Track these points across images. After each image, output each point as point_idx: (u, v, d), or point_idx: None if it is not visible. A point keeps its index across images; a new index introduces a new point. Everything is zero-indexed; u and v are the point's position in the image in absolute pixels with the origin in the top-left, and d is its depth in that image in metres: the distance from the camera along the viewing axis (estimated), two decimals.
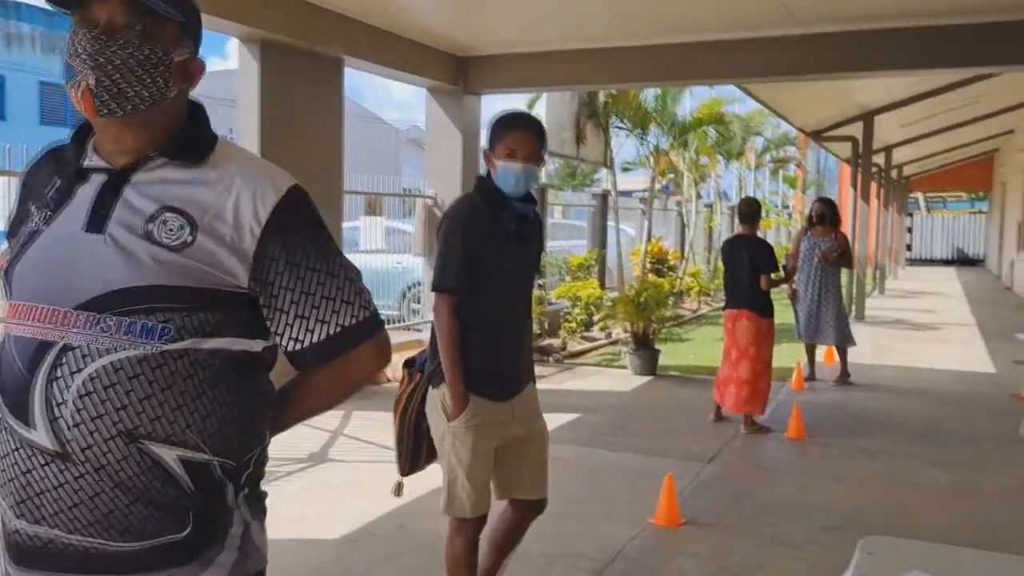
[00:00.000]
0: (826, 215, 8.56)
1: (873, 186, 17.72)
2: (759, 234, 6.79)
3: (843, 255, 8.51)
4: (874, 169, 17.27)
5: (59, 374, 1.29)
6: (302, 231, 1.43)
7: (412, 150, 34.03)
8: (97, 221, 1.34)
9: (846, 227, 10.53)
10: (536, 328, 10.47)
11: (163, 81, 1.37)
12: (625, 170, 18.70)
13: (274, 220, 1.39)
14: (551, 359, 9.87)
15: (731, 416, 6.74)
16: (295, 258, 1.41)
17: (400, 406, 3.07)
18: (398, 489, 3.15)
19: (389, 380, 8.10)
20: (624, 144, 14.57)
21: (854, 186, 14.52)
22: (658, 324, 9.20)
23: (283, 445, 5.89)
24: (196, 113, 1.47)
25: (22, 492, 1.32)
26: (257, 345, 1.44)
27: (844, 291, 9.60)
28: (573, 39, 8.56)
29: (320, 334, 1.43)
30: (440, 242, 2.99)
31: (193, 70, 1.44)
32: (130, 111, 1.35)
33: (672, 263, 16.53)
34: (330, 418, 6.69)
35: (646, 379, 8.66)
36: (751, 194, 20.19)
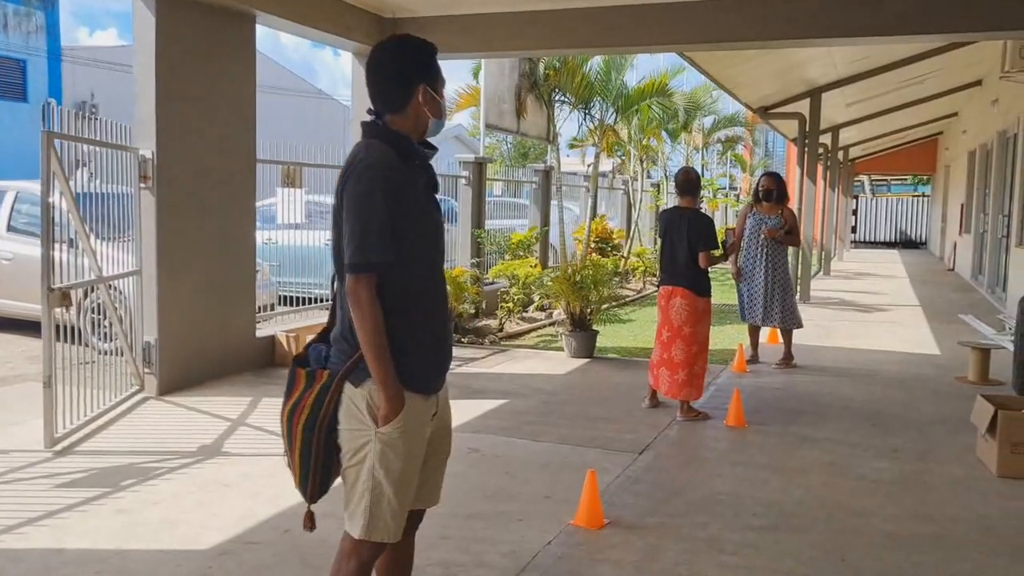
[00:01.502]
0: (773, 191, 8.18)
1: (819, 168, 17.51)
2: (702, 209, 6.35)
3: (790, 233, 8.15)
4: (820, 151, 17.04)
5: None
6: None
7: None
8: None
9: (793, 206, 10.20)
10: (471, 308, 9.95)
11: None
12: (572, 147, 18.24)
13: None
14: (486, 341, 9.37)
15: (667, 401, 6.32)
16: None
17: (301, 415, 2.44)
18: (309, 521, 2.57)
19: None
20: (568, 120, 14.09)
21: (801, 165, 14.23)
22: (597, 304, 8.74)
23: (170, 436, 5.35)
24: None
25: None
26: None
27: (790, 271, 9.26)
28: (511, 1, 8.02)
29: None
30: (351, 208, 2.35)
31: None
32: None
33: (616, 242, 16.13)
34: (233, 406, 6.12)
35: (582, 362, 8.21)
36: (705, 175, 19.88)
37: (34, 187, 8.33)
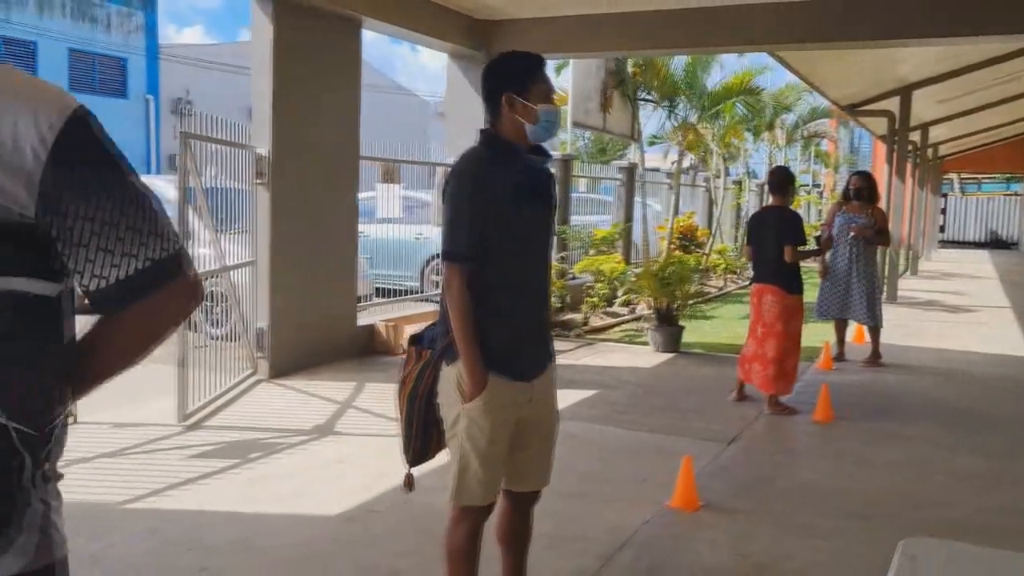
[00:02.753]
0: (863, 190, 8.21)
1: (908, 166, 17.22)
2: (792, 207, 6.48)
3: (880, 233, 8.17)
4: (909, 148, 16.76)
5: None
6: (97, 155, 1.24)
7: (442, 123, 33.76)
8: None
9: (882, 205, 10.16)
10: (557, 302, 10.22)
11: None
12: (651, 144, 18.33)
13: (63, 141, 1.20)
14: (571, 334, 9.62)
15: (754, 395, 6.48)
16: (92, 185, 1.22)
17: (407, 387, 2.79)
18: (408, 483, 2.88)
19: (404, 351, 7.91)
20: (650, 118, 14.23)
21: (889, 163, 14.07)
22: (682, 300, 8.92)
23: (286, 416, 5.77)
24: None
25: None
26: (52, 289, 1.25)
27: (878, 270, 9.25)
28: (601, 2, 8.25)
29: (127, 269, 1.24)
30: (447, 205, 2.68)
31: None
32: None
33: (700, 239, 16.19)
34: (340, 389, 6.51)
35: (668, 356, 8.40)
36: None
37: (156, 182, 8.89)
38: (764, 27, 8.04)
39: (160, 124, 27.32)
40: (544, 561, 3.39)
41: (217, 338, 7.04)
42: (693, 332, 9.79)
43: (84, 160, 1.22)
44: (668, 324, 8.71)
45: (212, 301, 8.80)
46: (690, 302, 9.88)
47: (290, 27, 6.85)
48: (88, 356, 1.33)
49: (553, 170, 3.29)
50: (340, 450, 5.08)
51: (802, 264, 6.25)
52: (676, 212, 14.66)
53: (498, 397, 2.68)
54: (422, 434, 2.80)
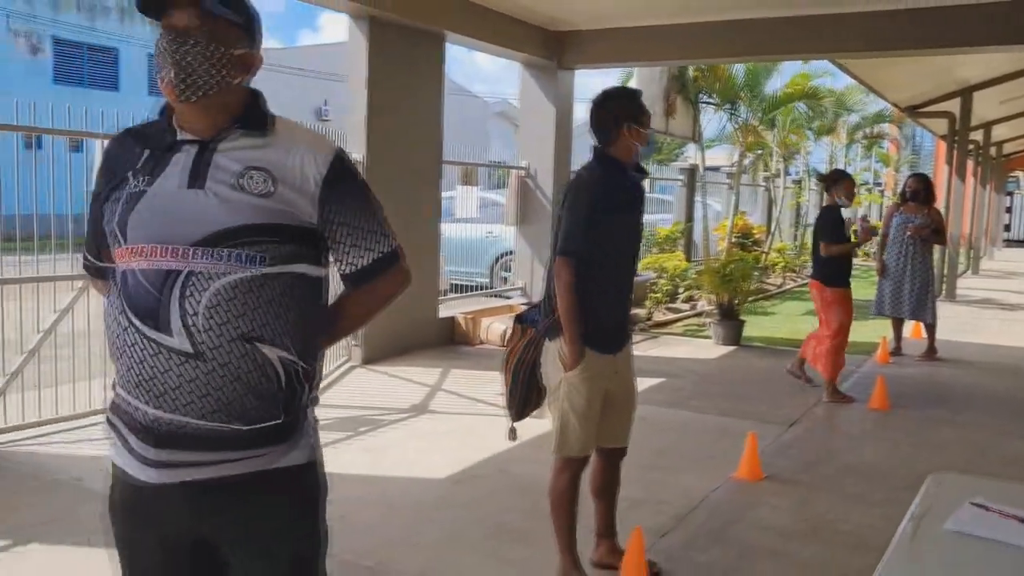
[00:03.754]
0: (919, 192, 8.55)
1: (970, 164, 17.28)
2: (843, 205, 6.90)
3: (937, 232, 8.50)
4: (971, 147, 16.84)
5: (189, 293, 1.69)
6: (351, 180, 1.86)
7: (500, 123, 34.35)
8: (195, 179, 1.76)
9: (940, 205, 10.43)
10: None
11: (227, 72, 1.77)
12: (707, 147, 18.70)
13: (331, 172, 1.80)
14: (636, 328, 10.12)
15: (816, 382, 6.91)
16: (347, 200, 1.83)
17: (513, 357, 3.40)
18: (512, 434, 3.47)
19: (482, 342, 8.52)
20: (711, 120, 14.58)
21: (949, 163, 14.25)
22: (742, 296, 9.36)
23: (384, 396, 6.40)
24: (257, 95, 1.90)
25: (160, 388, 1.72)
26: (322, 271, 1.87)
27: (935, 270, 9.55)
28: (668, 13, 8.72)
29: (368, 259, 1.87)
30: (567, 211, 3.28)
31: (251, 62, 1.84)
32: (202, 96, 1.76)
33: (757, 237, 16.52)
34: (428, 374, 7.13)
35: (729, 349, 8.86)
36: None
37: None
38: (826, 37, 8.44)
39: None
40: (628, 519, 3.91)
41: None
42: (753, 327, 10.21)
43: (344, 184, 1.84)
44: (729, 318, 9.17)
45: None
46: (750, 299, 10.30)
47: (382, 42, 7.48)
48: (335, 319, 1.96)
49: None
50: (437, 427, 5.69)
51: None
52: (735, 212, 15.02)
53: (592, 367, 3.27)
54: (524, 395, 3.42)
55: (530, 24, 9.16)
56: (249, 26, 1.83)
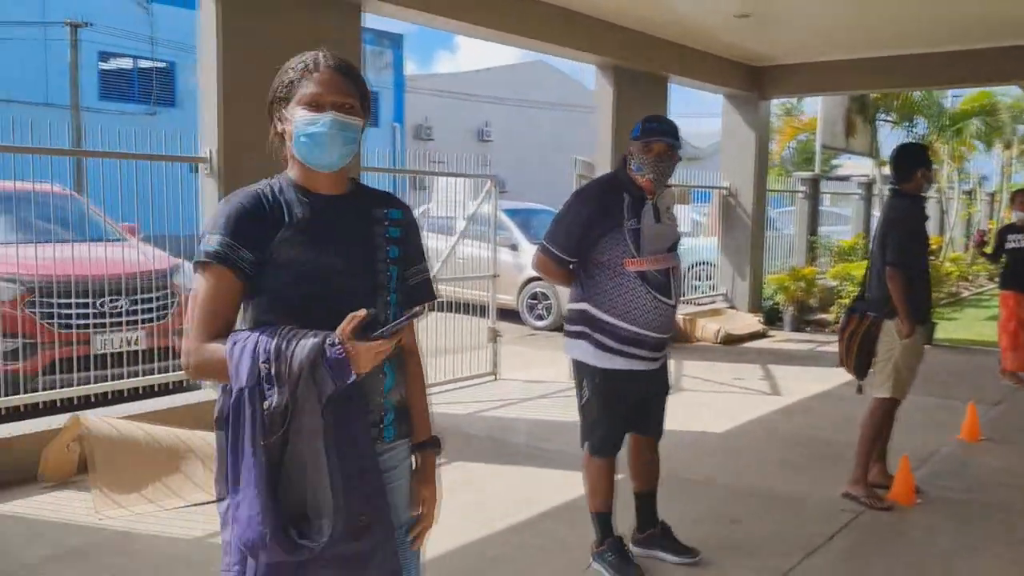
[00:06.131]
0: None
1: None
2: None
3: None
4: None
5: (676, 277, 3.42)
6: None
7: None
8: (657, 218, 3.42)
9: None
10: (814, 302, 11.83)
11: None
12: (881, 164, 19.33)
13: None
14: (827, 331, 11.20)
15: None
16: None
17: (858, 336, 4.71)
18: (860, 389, 4.82)
19: (698, 340, 9.86)
20: (887, 136, 15.40)
21: None
22: (934, 301, 10.29)
23: None
24: None
25: (661, 321, 3.43)
26: None
27: None
28: (860, 47, 9.84)
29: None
30: (891, 235, 4.63)
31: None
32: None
33: (931, 248, 17.08)
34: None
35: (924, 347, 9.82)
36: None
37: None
38: (1007, 68, 9.35)
39: (404, 147, 30.83)
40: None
41: (539, 329, 9.27)
42: (938, 331, 11.08)
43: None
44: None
45: (535, 300, 11.16)
46: (936, 305, 11.17)
47: (623, 87, 8.98)
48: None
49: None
50: (698, 399, 7.09)
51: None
52: None
53: (917, 338, 4.64)
54: (859, 364, 4.75)
55: (734, 61, 10.47)
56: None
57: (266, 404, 1.68)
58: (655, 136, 3.61)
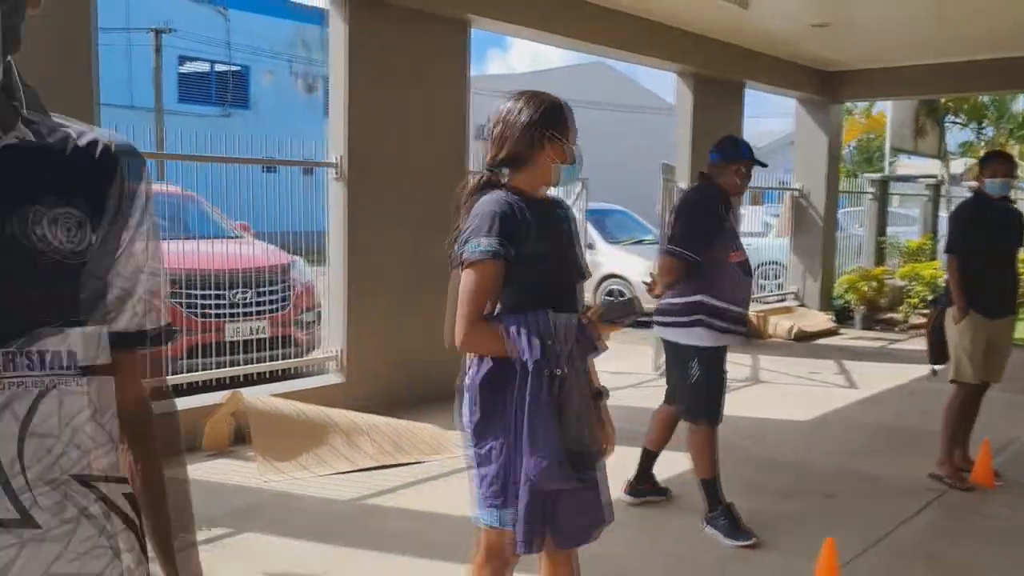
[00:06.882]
0: None
1: None
2: None
3: None
4: None
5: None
6: None
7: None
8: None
9: None
10: (884, 302, 12.09)
11: None
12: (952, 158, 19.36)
13: None
14: (896, 329, 11.45)
15: None
16: None
17: (929, 326, 5.20)
18: (933, 373, 5.25)
19: (771, 336, 10.21)
20: (955, 137, 15.51)
21: None
22: None
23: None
24: None
25: (747, 300, 4.01)
26: None
27: None
28: (928, 54, 10.09)
29: None
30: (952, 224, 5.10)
31: None
32: None
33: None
34: (740, 358, 8.92)
35: None
36: None
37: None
38: None
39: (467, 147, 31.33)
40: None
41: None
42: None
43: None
44: None
45: (611, 296, 11.60)
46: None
47: (701, 94, 9.38)
48: None
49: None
50: (779, 390, 7.48)
51: None
52: None
53: (972, 324, 4.92)
54: (934, 351, 5.15)
55: (808, 67, 10.78)
56: None
57: (557, 372, 2.19)
58: (746, 160, 4.36)
